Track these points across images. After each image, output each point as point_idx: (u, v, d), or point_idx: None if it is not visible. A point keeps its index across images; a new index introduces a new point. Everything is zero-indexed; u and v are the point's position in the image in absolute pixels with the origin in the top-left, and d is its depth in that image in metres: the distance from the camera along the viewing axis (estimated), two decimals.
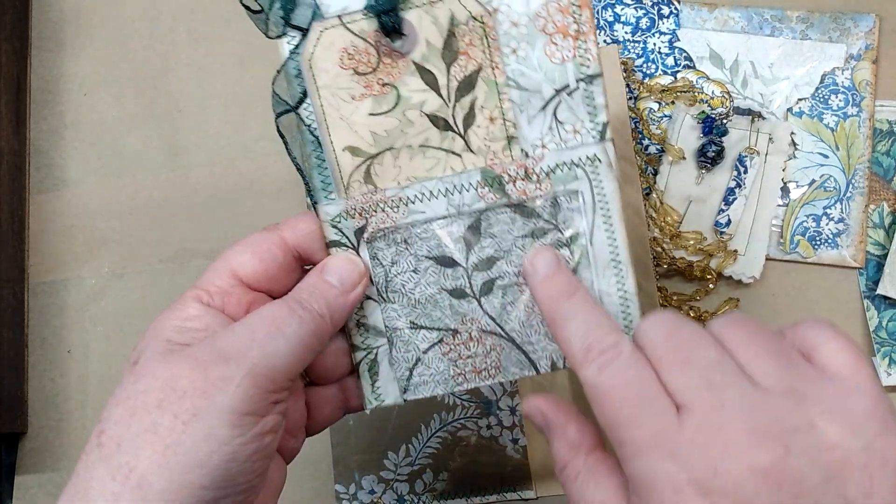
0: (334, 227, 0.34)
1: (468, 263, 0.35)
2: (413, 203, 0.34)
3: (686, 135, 0.50)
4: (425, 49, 0.32)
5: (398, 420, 0.48)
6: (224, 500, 0.28)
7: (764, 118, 0.50)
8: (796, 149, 0.50)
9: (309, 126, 0.33)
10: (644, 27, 0.52)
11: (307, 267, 0.35)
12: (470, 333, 0.35)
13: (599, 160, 0.33)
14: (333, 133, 0.33)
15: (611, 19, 0.52)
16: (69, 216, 0.54)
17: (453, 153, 0.33)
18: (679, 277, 0.49)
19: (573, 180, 0.33)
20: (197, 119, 0.54)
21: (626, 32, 0.52)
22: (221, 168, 0.53)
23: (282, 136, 0.33)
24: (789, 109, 0.50)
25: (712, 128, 0.49)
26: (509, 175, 0.33)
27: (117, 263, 0.53)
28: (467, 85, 0.32)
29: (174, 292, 0.52)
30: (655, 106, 0.51)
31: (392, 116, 0.33)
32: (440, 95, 0.33)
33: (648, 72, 0.51)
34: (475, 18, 0.32)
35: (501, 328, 0.35)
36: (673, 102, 0.50)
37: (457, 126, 0.33)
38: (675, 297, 0.48)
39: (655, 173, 0.50)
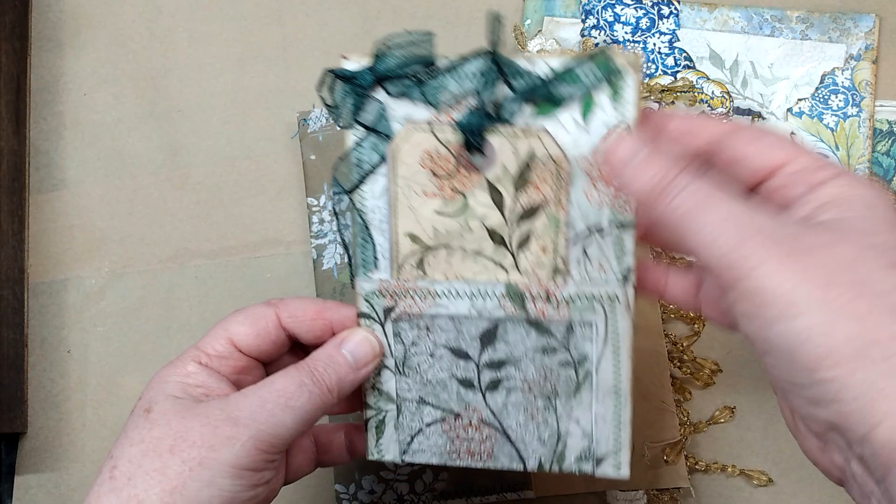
0: (367, 301, 0.37)
1: (480, 360, 0.37)
2: (440, 297, 0.37)
3: None
4: (500, 172, 0.35)
5: None
6: None
7: (764, 118, 0.50)
8: None
9: (359, 210, 0.37)
10: (644, 27, 0.52)
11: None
12: (471, 420, 0.38)
13: (619, 300, 0.35)
14: (400, 218, 0.36)
15: (611, 19, 0.52)
16: (69, 216, 0.54)
17: (501, 267, 0.36)
18: None
19: (590, 312, 0.35)
20: (197, 119, 0.54)
21: (626, 32, 0.52)
22: (221, 168, 0.53)
23: (335, 213, 0.37)
24: (789, 109, 0.50)
25: None
26: (531, 294, 0.36)
27: (117, 263, 0.53)
28: (529, 213, 0.35)
29: (174, 292, 0.52)
30: (655, 106, 0.51)
31: (455, 219, 0.36)
32: (503, 215, 0.35)
33: (648, 72, 0.51)
34: (553, 159, 0.34)
35: (500, 423, 0.38)
36: (673, 102, 0.51)
37: (511, 245, 0.36)
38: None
39: None
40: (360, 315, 0.37)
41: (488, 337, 0.37)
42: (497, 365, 0.37)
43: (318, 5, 0.55)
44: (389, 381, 0.38)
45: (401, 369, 0.38)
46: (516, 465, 0.38)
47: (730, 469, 0.47)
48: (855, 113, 0.50)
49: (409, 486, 0.47)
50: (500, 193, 0.35)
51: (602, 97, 0.33)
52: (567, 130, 0.34)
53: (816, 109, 0.50)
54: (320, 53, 0.54)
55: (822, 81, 0.50)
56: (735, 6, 0.51)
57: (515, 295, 0.36)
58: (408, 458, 0.39)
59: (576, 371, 0.36)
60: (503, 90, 0.34)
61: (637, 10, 0.52)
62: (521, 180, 0.35)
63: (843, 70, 0.50)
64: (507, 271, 0.36)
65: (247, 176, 0.53)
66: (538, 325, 0.36)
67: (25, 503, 0.51)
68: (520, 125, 0.34)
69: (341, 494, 0.48)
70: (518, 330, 0.36)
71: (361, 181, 0.36)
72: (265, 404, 0.34)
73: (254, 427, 0.33)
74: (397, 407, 0.38)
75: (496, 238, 0.36)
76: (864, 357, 0.26)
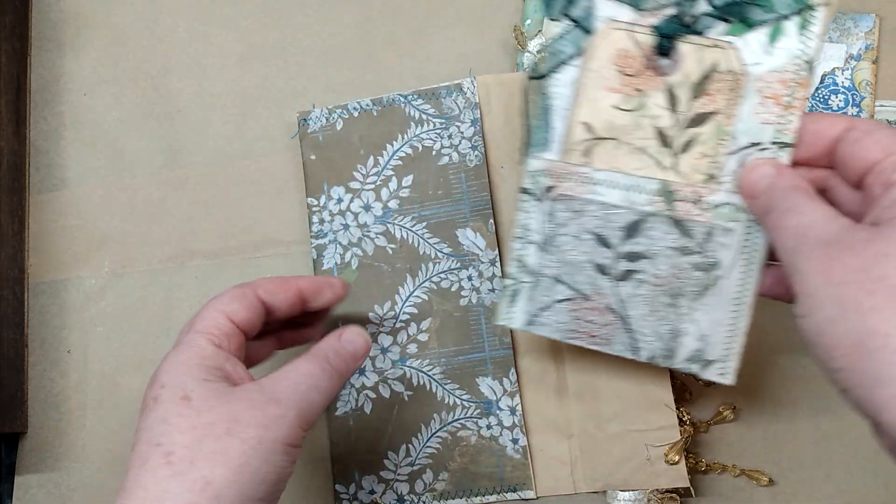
0: (532, 178, 0.41)
1: (619, 250, 0.40)
2: (598, 185, 0.40)
3: None
4: (681, 78, 0.38)
5: (398, 420, 0.48)
6: None
7: None
8: None
9: (545, 95, 0.40)
10: None
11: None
12: (597, 304, 0.41)
13: None
14: (581, 107, 0.40)
15: None
16: (69, 216, 0.54)
17: (661, 166, 0.39)
18: None
19: (732, 221, 0.39)
20: (197, 119, 0.54)
21: None
22: (221, 168, 0.53)
23: (525, 96, 0.41)
24: None
25: None
26: (682, 195, 0.39)
27: (117, 263, 0.53)
28: (699, 120, 0.38)
29: (174, 292, 0.52)
30: None
31: (630, 115, 0.39)
32: (674, 118, 0.39)
33: None
34: (732, 74, 0.38)
35: (624, 312, 0.41)
36: None
37: (674, 147, 0.39)
38: None
39: None
40: (523, 191, 0.41)
41: (632, 229, 0.40)
42: (634, 257, 0.40)
43: (318, 5, 0.55)
44: (533, 256, 0.41)
45: (546, 247, 0.41)
46: (629, 355, 0.41)
47: (730, 469, 0.47)
48: (855, 113, 0.50)
49: (409, 486, 0.47)
50: (677, 98, 0.39)
51: (791, 26, 0.37)
52: (752, 50, 0.38)
53: (816, 109, 0.50)
54: (320, 53, 0.54)
55: (822, 81, 0.50)
56: None
57: (667, 193, 0.39)
58: (532, 329, 0.42)
59: (706, 274, 0.39)
60: (703, 5, 0.38)
61: None
62: (699, 88, 0.38)
63: (843, 70, 0.50)
64: (665, 170, 0.39)
65: (247, 176, 0.53)
66: (681, 225, 0.39)
67: (25, 503, 0.51)
68: (710, 38, 0.38)
69: (341, 494, 0.48)
70: (661, 227, 0.39)
71: (555, 69, 0.40)
72: (298, 386, 0.37)
73: (294, 406, 0.36)
74: (534, 280, 0.42)
75: (663, 138, 0.39)
76: (863, 348, 0.28)
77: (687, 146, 0.39)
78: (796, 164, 0.38)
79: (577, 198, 0.40)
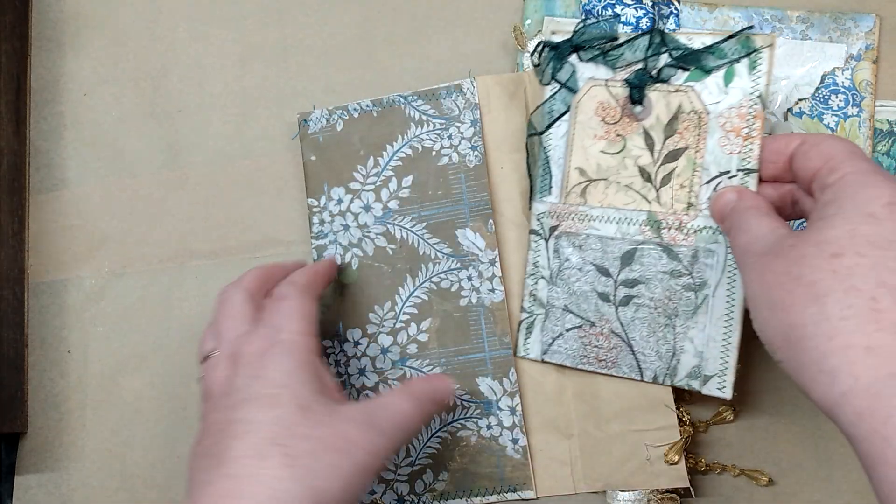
0: (538, 220, 0.47)
1: (617, 278, 0.45)
2: (594, 221, 0.45)
3: None
4: (654, 121, 0.44)
5: None
6: None
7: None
8: None
9: (545, 147, 0.47)
10: (644, 27, 0.51)
11: None
12: (602, 330, 0.45)
13: None
14: (574, 155, 0.46)
15: (611, 19, 0.52)
16: (69, 216, 0.54)
17: (646, 199, 0.44)
18: None
19: (713, 242, 0.43)
20: (197, 119, 0.54)
21: (626, 33, 0.51)
22: (221, 168, 0.53)
23: (527, 150, 0.48)
24: (789, 110, 0.50)
25: None
26: (667, 223, 0.44)
27: (117, 263, 0.53)
28: (674, 156, 0.44)
29: (174, 292, 0.52)
30: None
31: (615, 158, 0.45)
32: (652, 156, 0.44)
33: None
34: (696, 112, 0.43)
35: (626, 335, 0.45)
36: None
37: (655, 181, 0.44)
38: None
39: None
40: (531, 232, 0.47)
41: (627, 257, 0.44)
42: (631, 283, 0.44)
43: (318, 5, 0.55)
44: (544, 290, 0.46)
45: (554, 280, 0.46)
46: (635, 375, 0.45)
47: (730, 469, 0.47)
48: (855, 113, 0.50)
49: (409, 486, 0.47)
50: (653, 138, 0.44)
51: (741, 68, 0.42)
52: (711, 92, 0.43)
53: (817, 109, 0.50)
54: (320, 53, 0.54)
55: (822, 81, 0.50)
56: (735, 6, 0.51)
57: (654, 222, 0.44)
58: (547, 358, 0.46)
59: (696, 294, 0.43)
60: (664, 58, 0.44)
61: (637, 10, 0.52)
62: (670, 129, 0.44)
63: (843, 70, 0.50)
64: (649, 202, 0.44)
65: (247, 176, 0.53)
66: (669, 251, 0.43)
67: (25, 503, 0.51)
68: (674, 85, 0.43)
69: None
70: (652, 253, 0.44)
71: (550, 126, 0.46)
72: (396, 422, 0.39)
73: (391, 439, 0.38)
74: (546, 312, 0.46)
75: (645, 175, 0.44)
76: (788, 341, 0.32)
77: (666, 179, 0.44)
78: (767, 181, 0.41)
79: (577, 233, 0.45)
